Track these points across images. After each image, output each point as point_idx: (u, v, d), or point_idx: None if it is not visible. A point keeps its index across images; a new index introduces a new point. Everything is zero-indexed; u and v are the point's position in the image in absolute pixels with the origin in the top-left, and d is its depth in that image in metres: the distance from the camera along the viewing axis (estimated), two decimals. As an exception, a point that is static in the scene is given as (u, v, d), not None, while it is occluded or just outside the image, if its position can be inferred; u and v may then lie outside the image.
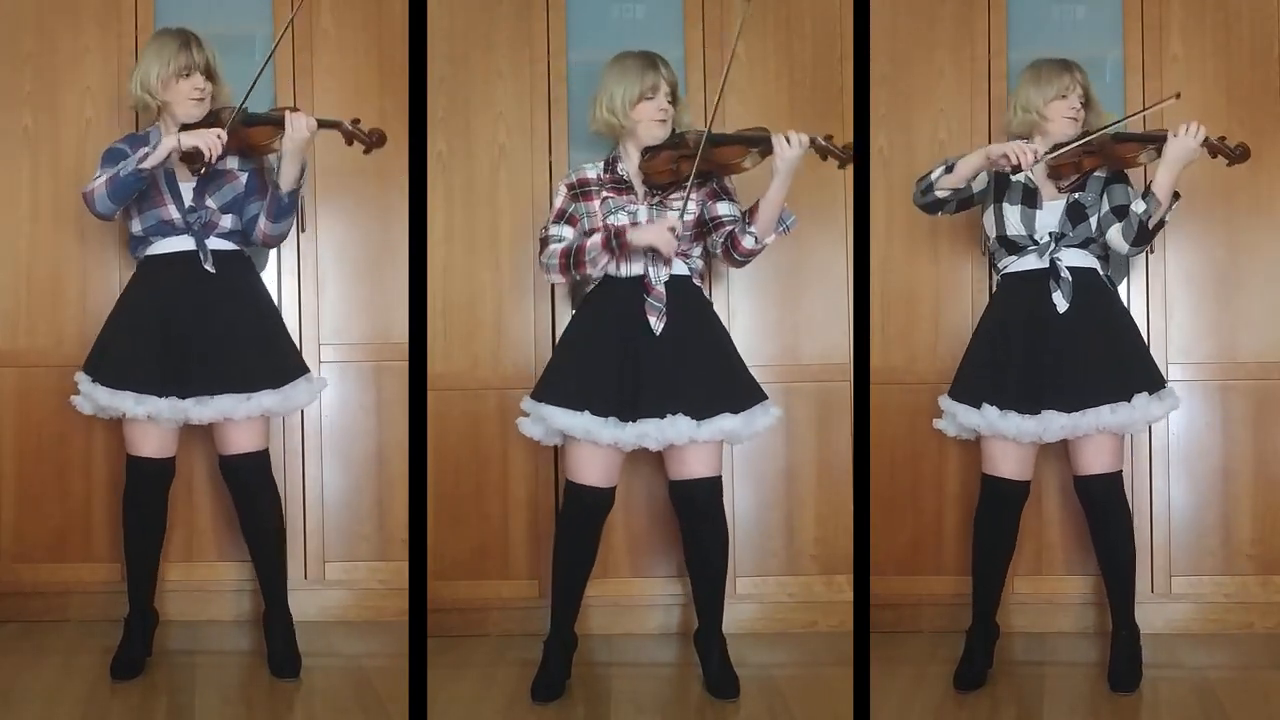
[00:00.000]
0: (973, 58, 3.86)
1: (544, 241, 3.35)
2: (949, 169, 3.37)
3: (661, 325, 3.28)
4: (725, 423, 3.29)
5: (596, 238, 3.26)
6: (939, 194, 3.39)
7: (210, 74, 3.38)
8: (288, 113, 3.26)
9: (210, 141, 3.23)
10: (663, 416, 3.25)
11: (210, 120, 3.35)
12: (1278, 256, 3.83)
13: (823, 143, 3.18)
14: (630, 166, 3.36)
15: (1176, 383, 3.82)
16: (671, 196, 3.33)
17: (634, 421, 3.26)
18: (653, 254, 3.29)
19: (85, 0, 3.83)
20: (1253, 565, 3.85)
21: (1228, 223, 3.83)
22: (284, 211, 3.36)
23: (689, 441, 3.27)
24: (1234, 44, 3.83)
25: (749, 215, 3.31)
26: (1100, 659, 3.55)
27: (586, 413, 3.26)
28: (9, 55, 3.83)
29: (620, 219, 3.31)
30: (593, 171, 3.37)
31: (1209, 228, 3.83)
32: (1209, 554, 3.85)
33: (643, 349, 3.28)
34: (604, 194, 3.34)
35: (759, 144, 3.24)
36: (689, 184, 3.27)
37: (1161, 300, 3.84)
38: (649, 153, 3.34)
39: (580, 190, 3.36)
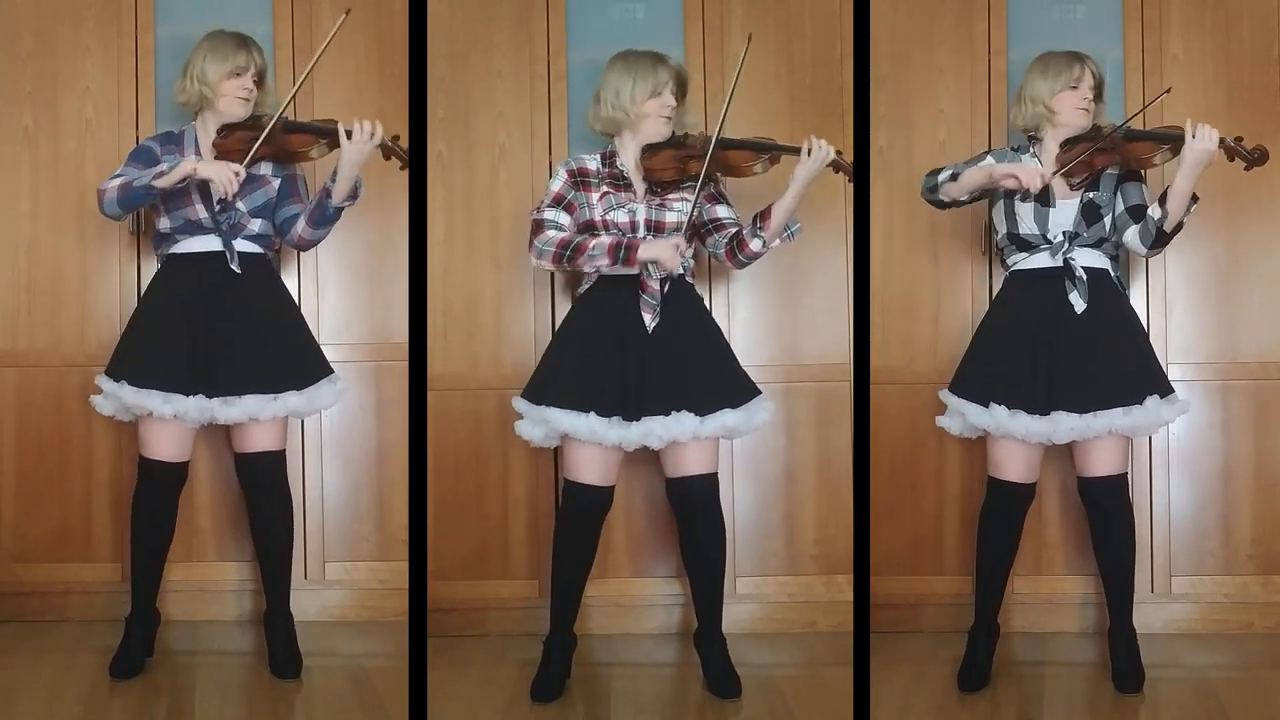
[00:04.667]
0: (973, 58, 3.86)
1: (538, 225, 3.32)
2: (954, 176, 3.35)
3: (655, 323, 3.28)
4: (727, 418, 3.29)
5: (604, 241, 3.24)
6: (943, 198, 3.40)
7: (260, 78, 3.40)
8: (357, 124, 3.22)
9: (225, 178, 3.22)
10: (667, 414, 3.25)
11: (251, 122, 3.37)
12: (1278, 256, 3.83)
13: (837, 156, 3.21)
14: (629, 162, 3.36)
15: (1176, 383, 3.82)
16: (670, 196, 3.33)
17: (638, 420, 3.26)
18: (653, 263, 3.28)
19: (85, 0, 3.83)
20: (1253, 565, 3.85)
21: (1229, 222, 3.83)
22: (327, 220, 3.39)
23: (692, 438, 3.27)
24: (1234, 44, 3.83)
25: (760, 219, 3.29)
26: (1100, 659, 3.55)
27: (592, 414, 3.26)
28: (9, 55, 3.83)
29: (620, 216, 3.31)
30: (592, 163, 3.36)
31: (1210, 227, 3.82)
32: (1209, 554, 3.85)
33: (641, 347, 3.27)
34: (604, 188, 3.34)
35: (768, 150, 3.26)
36: (699, 183, 3.26)
37: (1161, 300, 3.84)
38: (650, 150, 3.34)
39: (580, 179, 3.35)
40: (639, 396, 3.26)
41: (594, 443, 3.28)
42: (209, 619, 3.81)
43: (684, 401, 3.25)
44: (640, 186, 3.35)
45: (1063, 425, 3.29)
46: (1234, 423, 3.85)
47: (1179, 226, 3.30)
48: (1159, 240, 3.31)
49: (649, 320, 3.28)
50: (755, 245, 3.29)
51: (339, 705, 3.26)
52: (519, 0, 3.85)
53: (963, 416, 3.41)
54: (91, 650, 3.52)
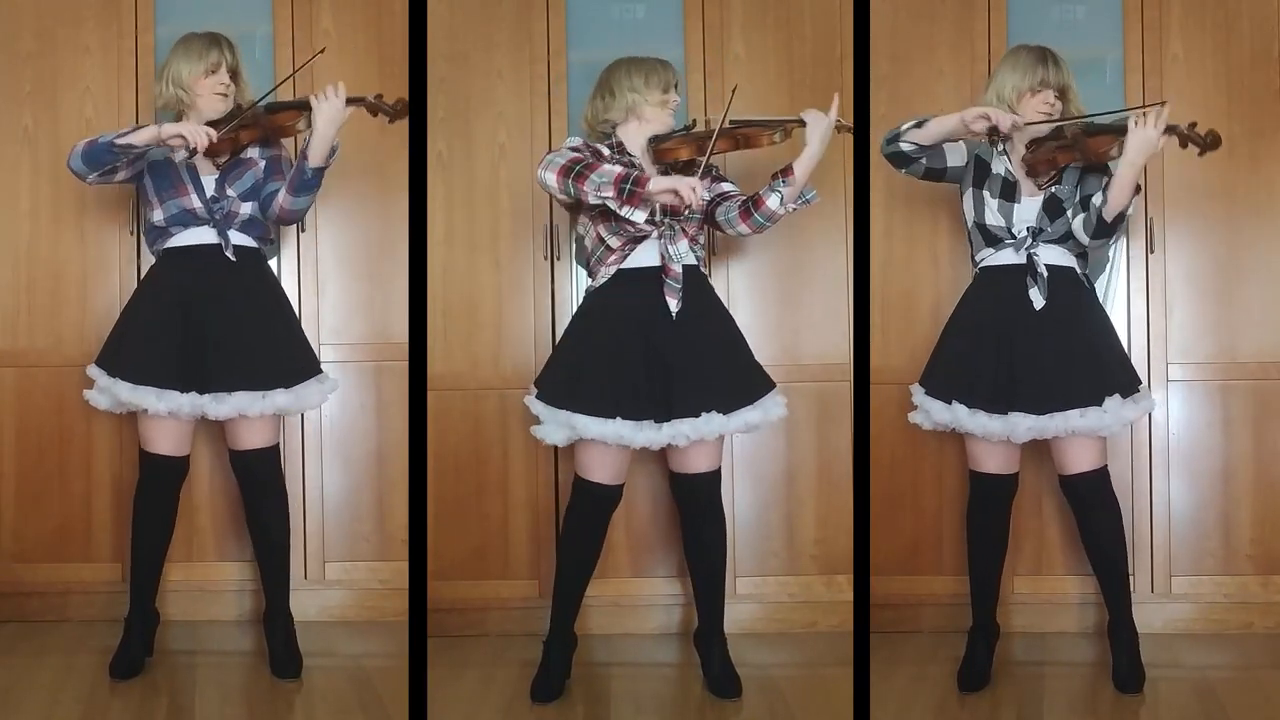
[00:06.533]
0: (973, 58, 3.86)
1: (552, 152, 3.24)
2: (919, 124, 3.31)
3: (678, 307, 3.24)
4: (749, 415, 3.29)
5: (611, 170, 3.11)
6: (903, 146, 3.31)
7: (235, 74, 3.41)
8: (328, 89, 3.25)
9: (193, 132, 3.23)
10: (697, 415, 3.23)
11: (232, 115, 3.37)
12: (1278, 256, 3.83)
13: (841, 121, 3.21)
14: (635, 152, 3.32)
15: (1176, 383, 3.83)
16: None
17: (669, 422, 3.23)
18: (668, 233, 3.25)
19: (85, 0, 3.83)
20: (1253, 565, 3.85)
21: (1228, 222, 3.83)
22: (306, 186, 3.33)
23: (717, 437, 3.27)
24: (1234, 44, 3.83)
25: (783, 174, 3.23)
26: (1100, 659, 3.55)
27: (619, 419, 3.22)
28: (9, 55, 3.83)
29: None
30: (605, 149, 3.31)
31: (1209, 227, 3.83)
32: (1209, 554, 3.85)
33: (665, 336, 3.24)
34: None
35: (780, 125, 3.25)
36: (710, 151, 3.20)
37: (1161, 300, 3.84)
38: (658, 139, 3.31)
39: (593, 152, 3.27)
40: (667, 396, 3.23)
41: (620, 446, 3.27)
42: (209, 619, 3.81)
43: (712, 401, 3.24)
44: (652, 169, 3.31)
45: (1020, 425, 3.28)
46: (1234, 422, 3.85)
47: (1121, 218, 3.25)
48: (1100, 229, 3.26)
49: (673, 305, 3.24)
50: (773, 202, 3.22)
51: (339, 705, 3.26)
52: (519, 0, 3.86)
53: (928, 413, 3.41)
54: (91, 650, 3.52)
